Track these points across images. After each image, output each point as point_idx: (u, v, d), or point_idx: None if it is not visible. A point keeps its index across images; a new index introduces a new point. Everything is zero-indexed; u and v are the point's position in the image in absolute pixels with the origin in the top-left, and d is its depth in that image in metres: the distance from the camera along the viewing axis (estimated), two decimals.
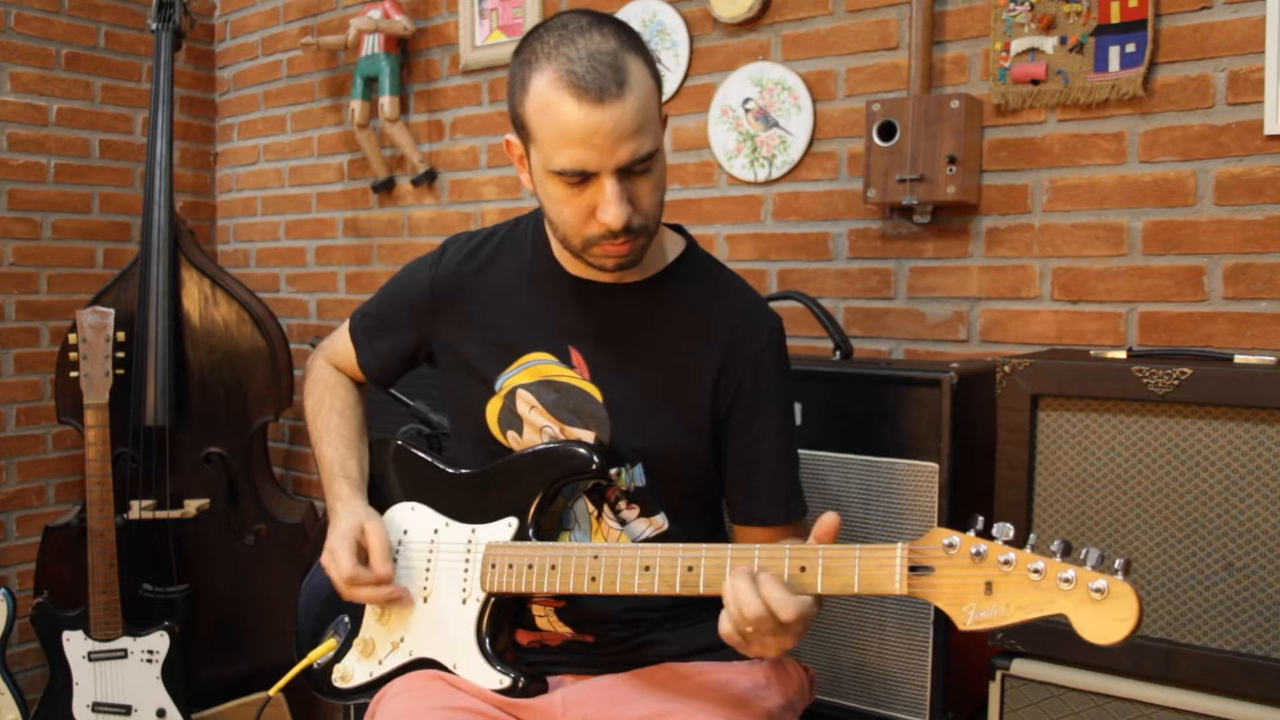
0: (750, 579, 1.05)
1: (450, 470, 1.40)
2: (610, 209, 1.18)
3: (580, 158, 1.16)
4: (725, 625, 1.08)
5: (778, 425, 1.35)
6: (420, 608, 1.33)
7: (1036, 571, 0.95)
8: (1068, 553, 0.96)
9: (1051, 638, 1.40)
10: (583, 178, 1.18)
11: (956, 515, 1.53)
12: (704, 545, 1.14)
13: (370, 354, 1.50)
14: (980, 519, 1.01)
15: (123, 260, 2.91)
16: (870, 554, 1.04)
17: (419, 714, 1.22)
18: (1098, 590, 0.92)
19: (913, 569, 1.02)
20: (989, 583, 0.97)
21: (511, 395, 1.35)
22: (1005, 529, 0.99)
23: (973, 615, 0.98)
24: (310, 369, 1.58)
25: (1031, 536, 0.99)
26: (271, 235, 3.19)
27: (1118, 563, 0.93)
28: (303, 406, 1.57)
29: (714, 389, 1.32)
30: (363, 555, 1.33)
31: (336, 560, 1.31)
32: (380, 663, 1.34)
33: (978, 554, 0.98)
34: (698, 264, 1.40)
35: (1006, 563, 0.97)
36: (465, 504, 1.35)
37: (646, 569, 1.16)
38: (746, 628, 1.05)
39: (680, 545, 1.15)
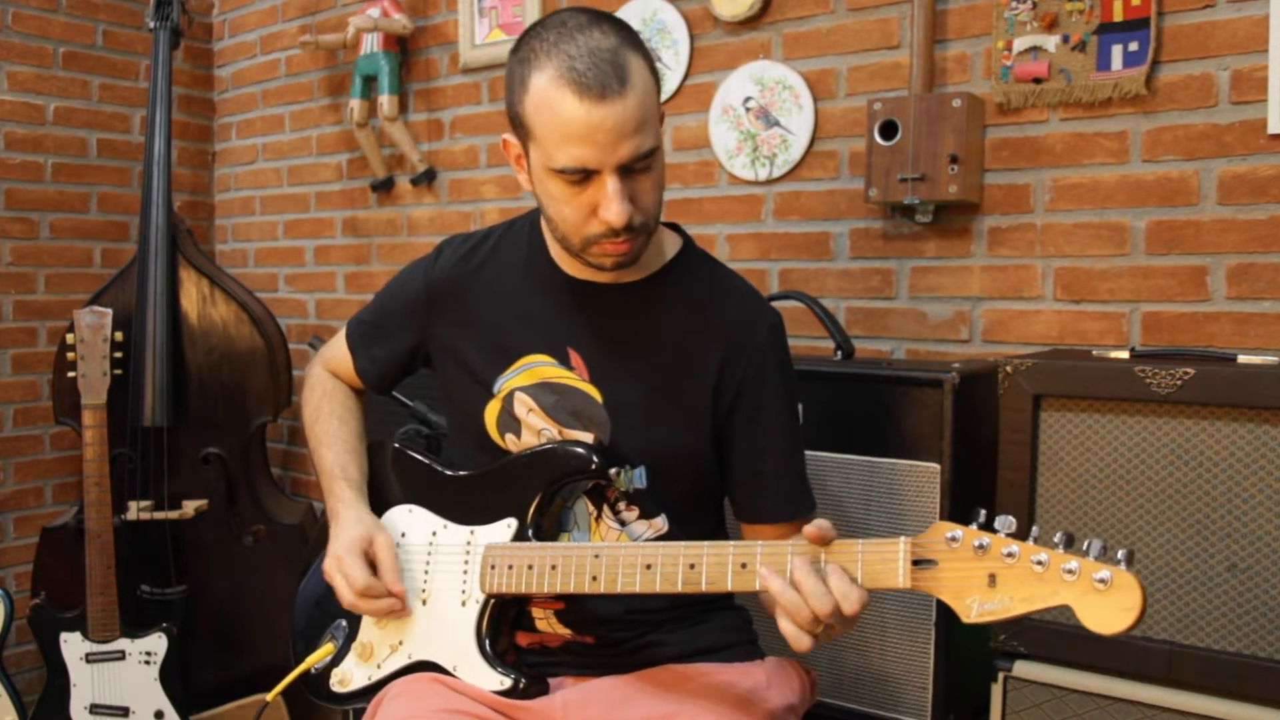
0: (816, 573, 1.05)
1: (448, 472, 1.39)
2: (612, 207, 1.18)
3: (582, 155, 1.16)
4: (785, 623, 1.06)
5: (781, 422, 1.34)
6: (419, 610, 1.32)
7: (1040, 563, 0.95)
8: (1070, 544, 0.96)
9: (1054, 639, 1.40)
10: (584, 175, 1.18)
11: (958, 516, 1.51)
12: (705, 543, 1.14)
13: (367, 360, 1.49)
14: (983, 512, 1.01)
15: (120, 260, 2.89)
16: (873, 549, 1.04)
17: (417, 716, 1.21)
18: (1101, 581, 0.92)
19: (916, 563, 1.02)
20: (992, 575, 0.97)
21: (510, 398, 1.34)
22: (1008, 521, 0.99)
23: (976, 608, 0.98)
24: (308, 376, 1.57)
25: (1034, 529, 0.99)
26: (270, 235, 3.18)
27: (1120, 553, 0.93)
28: (300, 413, 1.56)
29: (715, 387, 1.31)
30: (371, 567, 1.31)
31: (346, 571, 1.29)
32: (379, 666, 1.33)
33: (980, 547, 0.98)
34: (695, 262, 1.39)
35: (1009, 555, 0.97)
36: (463, 506, 1.35)
37: (648, 568, 1.15)
38: (807, 617, 1.04)
39: (682, 543, 1.15)
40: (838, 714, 1.64)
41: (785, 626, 1.07)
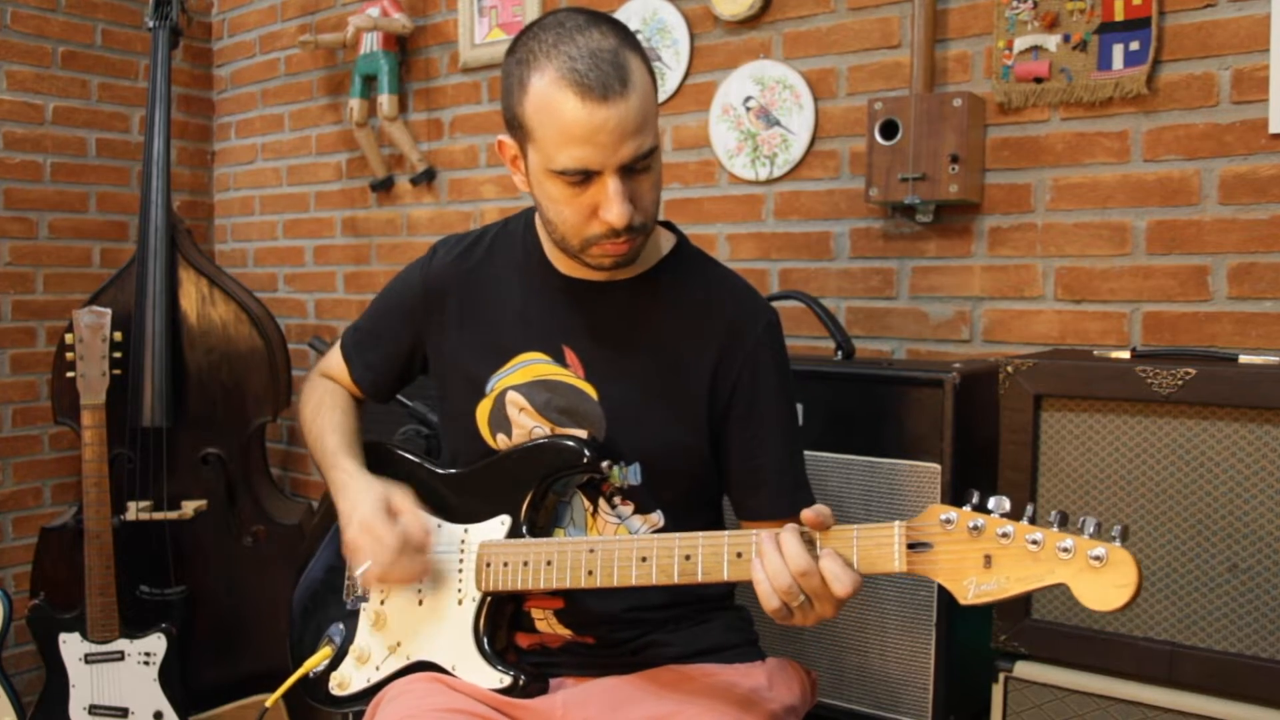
0: (803, 541, 1.05)
1: (441, 471, 1.39)
2: (613, 208, 1.17)
3: (583, 156, 1.16)
4: (763, 585, 1.06)
5: (778, 418, 1.34)
6: (416, 610, 1.32)
7: (1034, 542, 0.95)
8: (1065, 523, 0.96)
9: (1055, 639, 1.39)
10: (584, 176, 1.18)
11: None
12: (700, 533, 1.14)
13: (364, 366, 1.49)
14: (976, 493, 1.01)
15: (120, 260, 2.88)
16: (868, 533, 1.04)
17: (417, 715, 1.21)
18: (1096, 558, 0.92)
19: (911, 546, 1.02)
20: (988, 556, 0.97)
21: (501, 397, 1.34)
22: (1002, 502, 0.99)
23: (973, 589, 0.98)
24: (306, 382, 1.56)
25: (1029, 508, 0.98)
26: (269, 234, 3.18)
27: (1115, 530, 0.93)
28: (299, 414, 1.54)
29: (711, 384, 1.31)
30: None
31: (377, 534, 1.24)
32: (378, 668, 1.33)
33: (975, 528, 0.98)
34: (690, 259, 1.39)
35: (1004, 535, 0.97)
36: (457, 504, 1.34)
37: (644, 560, 1.15)
38: (785, 584, 1.04)
39: (677, 534, 1.15)
40: (838, 714, 1.64)
41: (758, 578, 1.07)
